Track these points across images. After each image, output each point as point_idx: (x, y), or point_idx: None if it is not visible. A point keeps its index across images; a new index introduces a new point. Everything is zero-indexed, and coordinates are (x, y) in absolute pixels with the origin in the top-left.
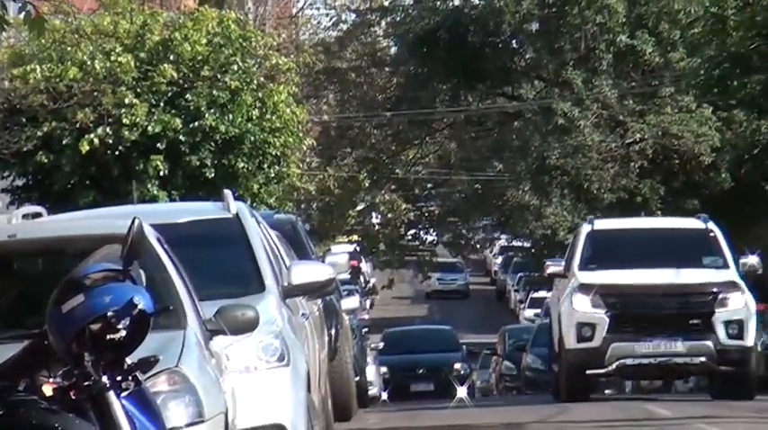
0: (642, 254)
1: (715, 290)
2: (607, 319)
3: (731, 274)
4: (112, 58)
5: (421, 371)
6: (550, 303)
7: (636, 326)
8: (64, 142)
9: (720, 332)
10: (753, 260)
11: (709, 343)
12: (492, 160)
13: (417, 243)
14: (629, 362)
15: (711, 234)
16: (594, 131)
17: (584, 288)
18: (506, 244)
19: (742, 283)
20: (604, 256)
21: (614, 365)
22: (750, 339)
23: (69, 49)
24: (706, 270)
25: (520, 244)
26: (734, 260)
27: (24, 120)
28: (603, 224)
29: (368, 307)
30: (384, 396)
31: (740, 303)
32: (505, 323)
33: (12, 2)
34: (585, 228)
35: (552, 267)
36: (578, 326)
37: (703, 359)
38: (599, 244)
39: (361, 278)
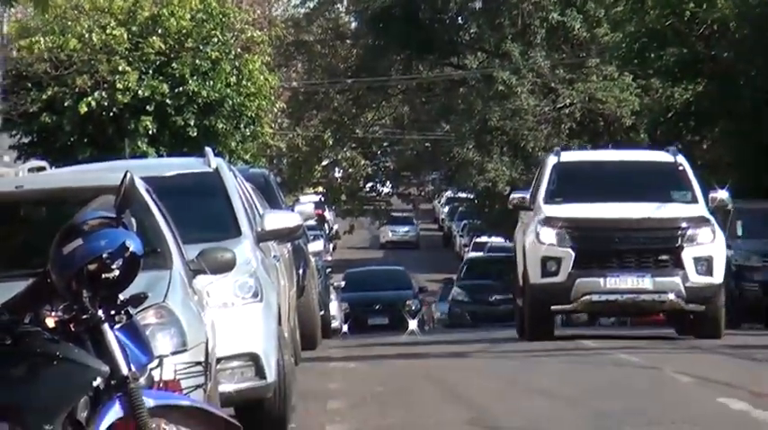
0: (610, 187)
1: (684, 225)
2: (573, 254)
3: (700, 209)
4: (108, 31)
5: (377, 306)
6: (515, 237)
7: (602, 261)
8: (65, 104)
9: (689, 268)
10: (722, 195)
11: (678, 279)
12: (440, 122)
13: (374, 194)
14: (595, 298)
15: (680, 168)
16: (530, 97)
17: (550, 221)
18: (452, 195)
19: (711, 218)
20: (571, 189)
21: (580, 301)
22: (719, 276)
23: (70, 23)
24: (675, 204)
25: (464, 195)
26: (703, 194)
27: (30, 85)
28: (570, 156)
29: (331, 250)
30: (345, 328)
31: (709, 239)
32: (451, 265)
33: None
34: (551, 160)
35: (518, 199)
36: (543, 261)
37: (671, 296)
38: (565, 176)
39: (326, 225)
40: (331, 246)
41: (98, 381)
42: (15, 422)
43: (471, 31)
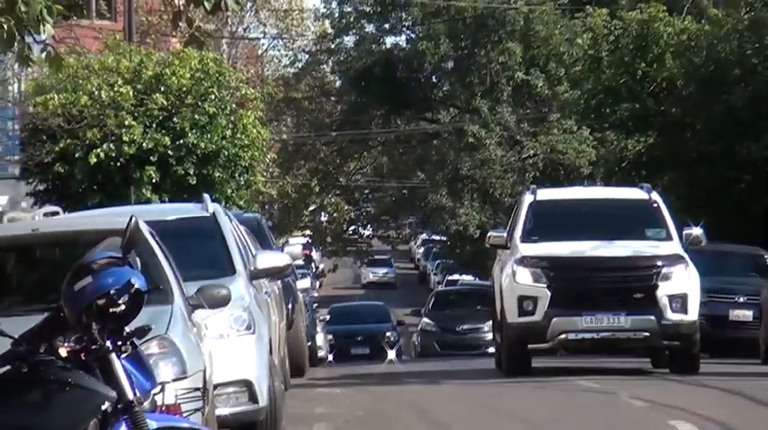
0: (585, 225)
1: (659, 263)
2: (549, 293)
3: (675, 247)
4: (115, 88)
5: (359, 338)
6: (493, 275)
7: (578, 300)
8: (76, 155)
9: (664, 306)
10: (696, 232)
11: (653, 317)
12: (416, 171)
13: (356, 236)
14: (571, 336)
15: (655, 205)
16: (497, 148)
17: (526, 260)
18: (427, 237)
19: (686, 256)
20: (546, 228)
21: (557, 340)
22: (694, 313)
23: (81, 81)
24: (649, 242)
25: (438, 237)
26: (677, 232)
27: (45, 137)
28: (546, 194)
29: (317, 287)
30: (330, 357)
31: (684, 276)
32: (426, 300)
33: (35, 44)
34: (528, 199)
35: (495, 238)
36: (519, 300)
37: (647, 334)
38: (541, 215)
39: (312, 264)
40: (317, 283)
41: (106, 405)
42: None
43: (444, 88)
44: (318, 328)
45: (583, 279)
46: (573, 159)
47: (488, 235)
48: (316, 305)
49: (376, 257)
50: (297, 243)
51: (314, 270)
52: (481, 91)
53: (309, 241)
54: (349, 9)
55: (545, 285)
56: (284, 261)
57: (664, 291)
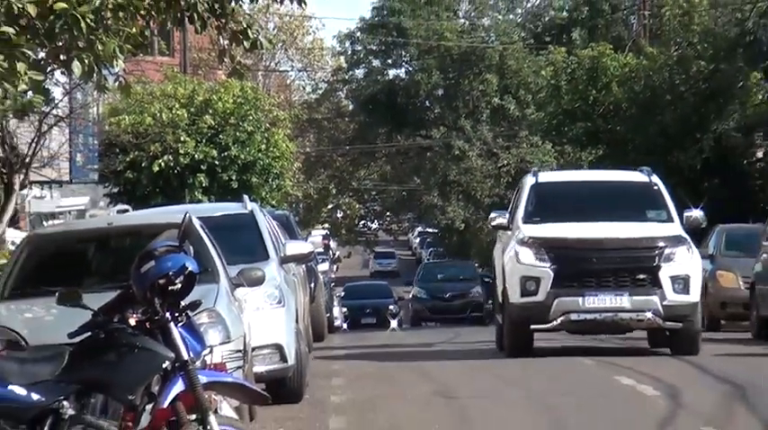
0: (586, 207)
1: (661, 244)
2: (552, 273)
3: (677, 228)
4: (173, 111)
5: (368, 310)
6: (494, 256)
7: (581, 280)
8: (142, 165)
9: (667, 287)
10: (697, 214)
11: (656, 298)
12: (413, 177)
13: (366, 229)
14: (573, 317)
15: (655, 187)
16: (478, 159)
17: (529, 241)
18: (422, 230)
19: (687, 237)
20: (548, 209)
21: (559, 320)
22: (696, 294)
23: (146, 105)
24: (651, 224)
25: (430, 230)
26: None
27: (117, 150)
28: (547, 177)
29: (334, 270)
30: (344, 326)
31: (686, 257)
32: None
33: (110, 75)
34: (529, 181)
35: (497, 219)
36: (522, 280)
37: (649, 315)
38: (543, 197)
39: (330, 251)
40: (334, 267)
41: (166, 364)
42: (108, 393)
43: (435, 111)
44: (335, 303)
45: (586, 259)
46: (538, 169)
47: (491, 216)
48: (333, 284)
49: (381, 251)
50: (318, 234)
51: (331, 256)
52: (465, 113)
53: (328, 233)
54: (359, 48)
55: (548, 265)
56: (308, 249)
57: (666, 272)
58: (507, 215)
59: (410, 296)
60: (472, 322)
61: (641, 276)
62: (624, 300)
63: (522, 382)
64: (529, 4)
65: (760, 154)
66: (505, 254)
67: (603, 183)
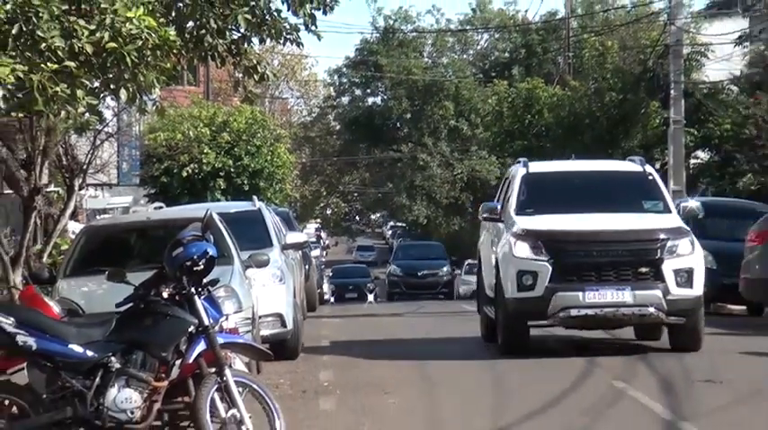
0: (580, 197)
1: (663, 236)
2: (550, 267)
3: (676, 220)
4: (198, 129)
5: (350, 287)
6: (479, 248)
7: (581, 274)
8: (174, 172)
9: (670, 281)
10: (693, 204)
11: (659, 292)
12: (386, 182)
13: (349, 223)
14: (573, 312)
15: (650, 177)
16: (438, 169)
17: (525, 234)
18: (393, 224)
19: (689, 229)
20: (541, 200)
21: (558, 316)
22: (699, 288)
23: (177, 125)
24: (649, 215)
25: (400, 224)
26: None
27: (154, 160)
28: (538, 167)
29: (324, 255)
30: (332, 299)
31: (689, 250)
32: None
33: (149, 100)
34: (520, 171)
35: (488, 211)
36: (519, 275)
37: (652, 310)
38: (535, 187)
39: (321, 241)
40: (324, 253)
41: (191, 328)
42: (146, 351)
43: (404, 130)
44: (324, 281)
45: (585, 253)
46: (485, 176)
47: (481, 208)
48: (323, 266)
49: (363, 245)
50: (311, 227)
51: (322, 244)
52: (428, 132)
53: (319, 226)
54: (345, 80)
55: (546, 259)
56: (303, 238)
57: (669, 265)
58: (498, 206)
59: (387, 272)
60: (443, 297)
61: (644, 270)
62: (626, 295)
63: (472, 344)
64: (478, 47)
65: (657, 165)
66: (498, 246)
67: (596, 173)
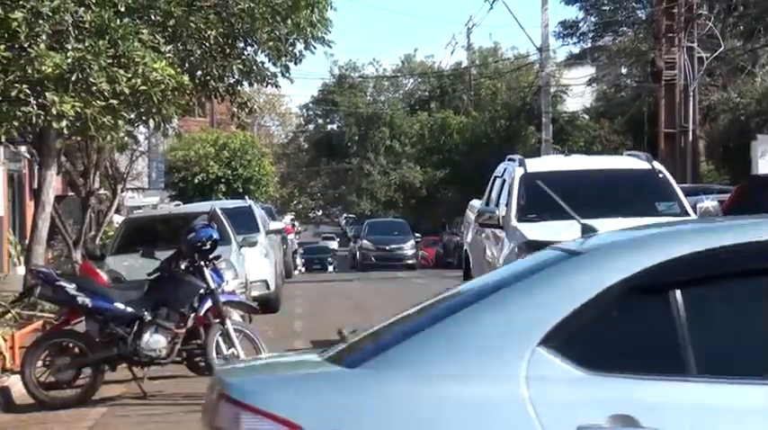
0: (587, 201)
1: None
2: None
3: None
4: (205, 148)
5: (316, 261)
6: (469, 248)
7: None
8: (188, 179)
9: None
10: (710, 204)
11: None
12: (341, 185)
13: (314, 215)
14: None
15: (660, 175)
16: (378, 175)
17: (533, 245)
18: (347, 216)
19: None
20: (544, 204)
21: None
22: None
23: (190, 145)
24: (667, 219)
25: (352, 215)
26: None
27: (174, 170)
28: (537, 165)
29: (297, 237)
30: (302, 269)
31: None
32: (346, 245)
33: (170, 127)
34: (517, 171)
35: (486, 216)
36: None
37: None
38: (535, 189)
39: (294, 227)
40: (297, 236)
41: (201, 291)
42: (169, 307)
43: (354, 148)
44: (297, 256)
45: None
46: (412, 180)
47: (479, 212)
48: (296, 247)
49: (327, 235)
50: (288, 218)
51: (295, 230)
52: (370, 149)
53: (293, 217)
54: (311, 112)
55: None
56: (282, 226)
57: None
58: (496, 210)
59: (358, 246)
60: (406, 268)
61: None
62: None
63: (404, 298)
64: (406, 88)
65: None
66: (501, 258)
67: (601, 172)
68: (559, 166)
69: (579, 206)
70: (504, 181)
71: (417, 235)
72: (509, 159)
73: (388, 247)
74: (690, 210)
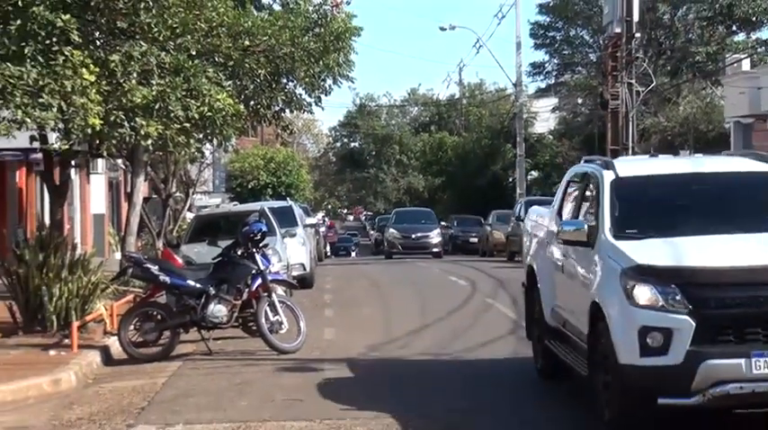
0: (702, 213)
1: None
2: (692, 322)
3: None
4: (257, 161)
5: (342, 248)
6: (532, 261)
7: (743, 332)
8: (243, 185)
9: None
10: None
11: None
12: (361, 190)
13: (342, 212)
14: (733, 388)
15: None
16: (390, 182)
17: (644, 272)
18: (366, 213)
19: None
20: (645, 217)
21: (709, 393)
22: None
23: (245, 158)
24: None
25: (370, 213)
26: None
27: (233, 178)
28: (630, 169)
29: (334, 230)
30: (331, 255)
31: None
32: (366, 236)
33: (229, 144)
34: (606, 176)
35: (571, 233)
36: (643, 332)
37: None
38: (632, 198)
39: (325, 222)
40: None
41: (253, 271)
42: (229, 284)
43: (371, 161)
44: (327, 245)
45: (747, 300)
46: (416, 186)
47: (561, 228)
48: (326, 237)
49: (351, 231)
50: (320, 215)
51: (326, 225)
52: (384, 161)
53: (324, 214)
54: (338, 133)
55: (684, 310)
56: (315, 221)
57: None
58: (584, 224)
59: (386, 234)
60: (432, 256)
61: None
62: None
63: (410, 277)
64: (412, 114)
65: (510, 179)
66: (596, 284)
67: (713, 176)
68: (656, 169)
69: (694, 220)
70: (587, 187)
71: (443, 223)
72: (586, 161)
73: (414, 236)
74: None
